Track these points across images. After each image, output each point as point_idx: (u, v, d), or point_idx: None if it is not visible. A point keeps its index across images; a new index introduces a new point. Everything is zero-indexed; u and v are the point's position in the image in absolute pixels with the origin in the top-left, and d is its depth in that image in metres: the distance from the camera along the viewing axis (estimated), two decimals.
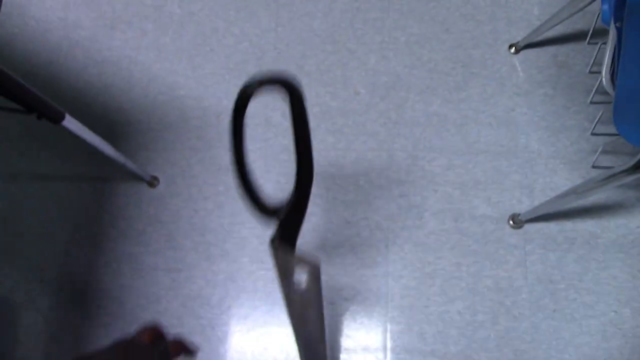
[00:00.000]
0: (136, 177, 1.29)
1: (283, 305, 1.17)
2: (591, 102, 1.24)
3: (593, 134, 1.17)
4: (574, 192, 1.02)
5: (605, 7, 0.86)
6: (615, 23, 0.80)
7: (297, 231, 0.68)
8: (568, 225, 1.19)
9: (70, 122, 0.97)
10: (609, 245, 1.17)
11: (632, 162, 0.86)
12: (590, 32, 1.07)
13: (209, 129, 1.33)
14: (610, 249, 1.17)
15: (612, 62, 0.86)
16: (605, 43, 0.85)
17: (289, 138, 1.30)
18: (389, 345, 1.14)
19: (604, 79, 0.83)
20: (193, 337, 1.17)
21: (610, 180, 0.91)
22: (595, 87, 1.06)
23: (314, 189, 0.63)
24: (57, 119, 0.95)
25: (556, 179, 1.23)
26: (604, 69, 0.82)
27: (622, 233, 1.18)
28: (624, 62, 0.73)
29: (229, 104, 1.34)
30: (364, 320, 1.16)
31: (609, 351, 1.11)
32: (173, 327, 1.19)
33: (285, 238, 0.68)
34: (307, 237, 1.22)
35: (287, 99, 0.60)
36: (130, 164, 1.17)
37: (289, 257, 0.69)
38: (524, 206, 1.21)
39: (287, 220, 0.68)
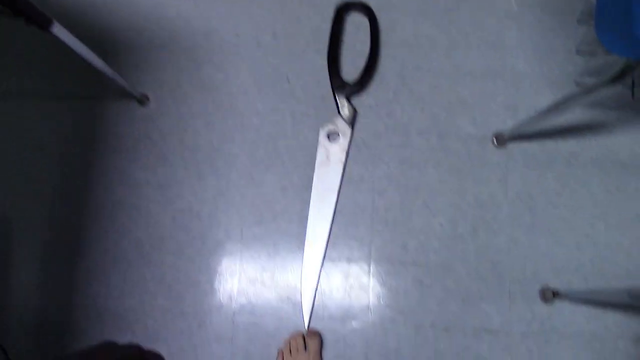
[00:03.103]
0: (126, 95, 1.30)
1: (271, 218, 1.21)
2: (578, 22, 1.25)
3: (578, 52, 1.19)
4: (556, 107, 1.04)
5: None
6: None
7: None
8: (550, 144, 1.22)
9: (60, 30, 0.98)
10: (588, 163, 1.21)
11: (612, 72, 0.87)
12: None
13: (198, 49, 1.33)
14: (589, 166, 1.20)
15: None
16: None
17: (278, 58, 1.32)
18: (372, 255, 1.19)
19: None
20: (183, 249, 1.22)
21: (589, 95, 0.93)
22: (581, 8, 1.07)
23: None
24: (45, 24, 0.95)
25: (541, 100, 1.25)
26: None
27: (601, 152, 1.21)
28: None
29: (217, 24, 1.34)
30: (349, 233, 1.20)
31: (581, 261, 1.16)
32: (163, 240, 1.22)
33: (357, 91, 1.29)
34: (301, 153, 1.25)
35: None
36: (120, 80, 1.18)
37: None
38: (507, 126, 1.23)
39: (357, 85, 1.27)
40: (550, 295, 1.13)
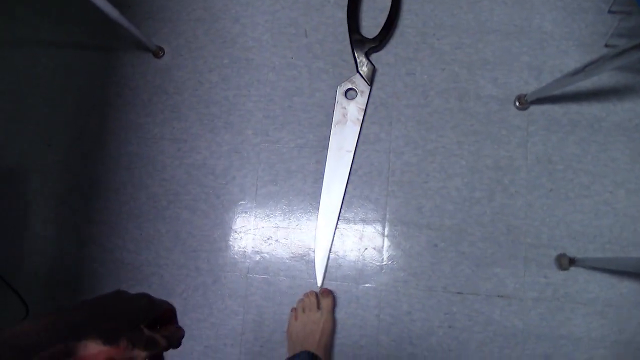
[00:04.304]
0: (141, 47, 1.28)
1: (286, 177, 1.20)
2: None
3: (610, 11, 1.14)
4: (583, 69, 1.01)
5: None
6: None
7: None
8: (573, 107, 1.19)
9: None
10: (612, 128, 1.17)
11: None
12: None
13: (215, 0, 1.30)
14: (612, 132, 1.17)
15: None
16: None
17: (297, 11, 1.28)
18: (387, 217, 1.18)
19: None
20: (198, 204, 1.22)
21: (620, 58, 0.89)
22: None
23: None
24: None
25: (567, 61, 1.21)
26: None
27: (627, 117, 1.17)
28: None
29: None
30: (364, 194, 1.19)
31: (599, 229, 1.14)
32: (179, 195, 1.23)
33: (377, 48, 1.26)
34: (315, 113, 1.23)
35: None
36: (135, 31, 1.16)
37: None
38: (531, 88, 1.20)
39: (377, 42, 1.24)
40: (566, 262, 1.12)
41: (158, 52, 1.28)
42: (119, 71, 1.29)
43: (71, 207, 1.25)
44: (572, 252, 1.13)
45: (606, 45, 1.17)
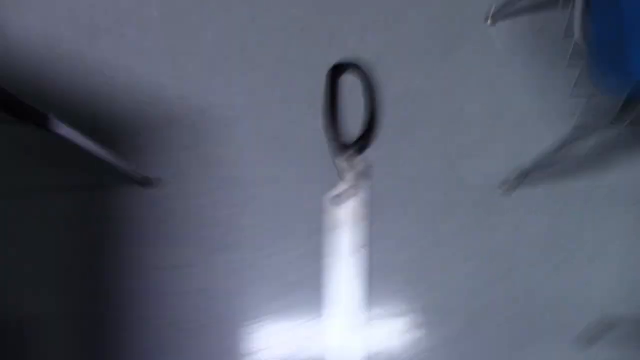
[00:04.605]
0: (130, 179, 1.30)
1: (288, 291, 1.18)
2: (569, 65, 1.26)
3: (572, 96, 1.20)
4: (560, 148, 1.04)
5: None
6: None
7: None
8: (560, 184, 1.22)
9: (58, 126, 0.98)
10: (605, 198, 1.20)
11: (612, 114, 0.88)
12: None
13: (197, 126, 1.34)
14: (606, 202, 1.19)
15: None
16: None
17: (277, 124, 1.32)
18: (397, 312, 1.16)
19: (575, 32, 0.85)
20: (205, 331, 1.19)
21: (591, 134, 0.93)
22: (571, 48, 1.08)
23: None
24: (42, 121, 0.95)
25: (544, 141, 1.24)
26: (575, 23, 0.85)
27: (616, 189, 1.20)
28: (596, 23, 0.76)
29: (214, 99, 1.35)
30: (372, 293, 1.18)
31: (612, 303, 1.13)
32: (182, 324, 1.20)
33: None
34: None
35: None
36: (123, 165, 1.18)
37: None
38: (513, 170, 1.23)
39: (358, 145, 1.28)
40: (587, 337, 1.10)
41: (147, 183, 1.30)
42: (110, 206, 1.30)
43: (74, 348, 1.21)
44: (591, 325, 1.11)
45: (576, 125, 1.22)
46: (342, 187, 1.25)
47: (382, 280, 1.19)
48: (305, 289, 1.20)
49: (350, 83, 1.35)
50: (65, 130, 1.00)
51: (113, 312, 1.23)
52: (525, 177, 1.17)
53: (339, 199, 1.25)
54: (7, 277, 1.28)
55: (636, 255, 1.16)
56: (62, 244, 1.29)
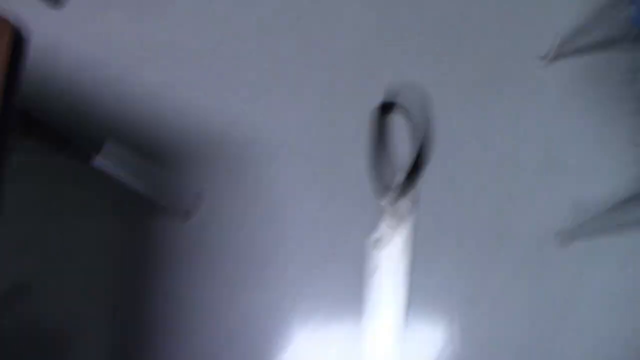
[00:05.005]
0: (168, 212, 1.28)
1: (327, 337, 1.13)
2: (634, 111, 1.19)
3: (635, 145, 1.13)
4: (621, 205, 0.98)
5: (635, 8, 0.81)
6: None
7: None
8: (619, 239, 1.14)
9: (104, 161, 0.96)
10: None
11: None
12: (621, 37, 1.04)
13: (238, 160, 1.31)
14: None
15: None
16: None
17: (319, 164, 1.28)
18: None
19: None
20: None
21: None
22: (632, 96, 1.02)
23: None
24: (88, 157, 0.94)
25: (602, 191, 1.18)
26: None
27: None
28: None
29: (257, 133, 1.32)
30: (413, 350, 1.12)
31: None
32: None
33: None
34: None
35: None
36: (162, 197, 1.17)
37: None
38: (569, 222, 1.15)
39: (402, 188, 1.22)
40: None
41: (185, 216, 1.28)
42: (148, 237, 1.28)
43: None
44: None
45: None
46: (384, 230, 1.20)
47: (420, 332, 1.12)
48: (343, 337, 1.14)
49: (398, 122, 1.30)
50: (111, 168, 0.99)
51: (150, 348, 1.19)
52: (583, 229, 1.10)
53: (380, 243, 1.20)
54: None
55: None
56: (96, 273, 1.27)
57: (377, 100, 1.30)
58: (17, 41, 0.61)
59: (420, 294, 1.15)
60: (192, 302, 1.21)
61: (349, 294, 1.17)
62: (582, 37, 1.20)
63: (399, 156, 1.27)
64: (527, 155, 1.23)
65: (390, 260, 1.18)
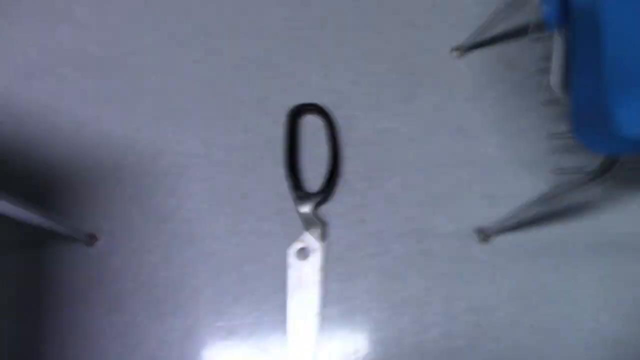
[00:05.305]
0: (70, 238, 1.18)
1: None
2: (544, 102, 1.19)
3: (549, 136, 1.12)
4: (538, 202, 0.97)
5: (548, 9, 0.79)
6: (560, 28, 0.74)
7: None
8: (536, 233, 1.14)
9: None
10: (581, 249, 1.12)
11: (594, 167, 0.80)
12: (530, 28, 1.02)
13: (146, 176, 1.23)
14: (582, 253, 1.12)
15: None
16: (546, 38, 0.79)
17: (233, 175, 1.22)
18: None
19: (554, 88, 0.77)
20: None
21: (574, 188, 0.86)
22: (544, 86, 1.01)
23: None
24: None
25: (518, 185, 1.18)
26: (553, 78, 0.76)
27: (593, 235, 1.13)
28: (576, 75, 0.68)
29: (164, 145, 1.24)
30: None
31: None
32: None
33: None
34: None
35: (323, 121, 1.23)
36: (62, 226, 1.07)
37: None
38: (487, 218, 1.14)
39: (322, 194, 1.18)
40: None
41: (90, 240, 1.18)
42: (50, 268, 1.17)
43: None
44: None
45: (556, 172, 1.15)
46: (306, 239, 1.15)
47: (346, 339, 1.09)
48: (266, 354, 1.09)
49: (312, 126, 1.25)
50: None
51: None
52: (500, 225, 1.09)
53: (303, 252, 1.15)
54: None
55: (604, 318, 1.09)
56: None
57: (291, 103, 1.25)
58: None
59: (342, 300, 1.11)
60: (105, 331, 1.12)
61: (270, 308, 1.12)
62: (494, 27, 1.18)
63: (317, 160, 1.22)
64: (446, 151, 1.21)
65: (314, 270, 1.13)
